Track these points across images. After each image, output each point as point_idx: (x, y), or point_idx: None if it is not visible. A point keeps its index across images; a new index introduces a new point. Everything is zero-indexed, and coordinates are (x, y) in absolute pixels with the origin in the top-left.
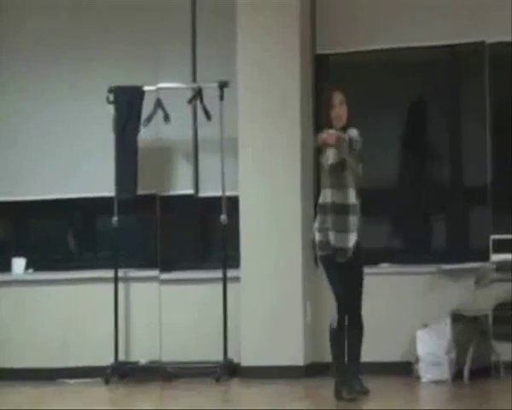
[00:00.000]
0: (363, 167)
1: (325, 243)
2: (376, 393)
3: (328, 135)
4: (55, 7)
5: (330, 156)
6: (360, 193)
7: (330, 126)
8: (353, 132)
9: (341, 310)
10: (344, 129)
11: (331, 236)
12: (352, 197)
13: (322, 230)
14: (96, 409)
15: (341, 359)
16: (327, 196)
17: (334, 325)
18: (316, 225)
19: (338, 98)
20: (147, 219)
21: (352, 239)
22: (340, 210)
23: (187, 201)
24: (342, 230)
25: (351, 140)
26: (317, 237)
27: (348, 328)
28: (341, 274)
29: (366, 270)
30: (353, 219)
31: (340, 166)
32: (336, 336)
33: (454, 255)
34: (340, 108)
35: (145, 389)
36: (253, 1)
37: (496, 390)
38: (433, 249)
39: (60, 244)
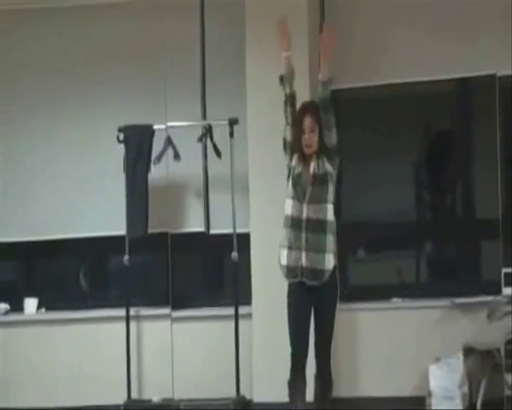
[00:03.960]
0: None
1: None
2: None
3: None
4: (62, 46)
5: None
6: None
7: (302, 152)
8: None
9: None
10: (317, 156)
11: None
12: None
13: None
14: None
15: None
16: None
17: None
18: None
19: (308, 123)
20: (158, 257)
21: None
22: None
23: (198, 238)
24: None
25: None
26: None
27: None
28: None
29: (378, 305)
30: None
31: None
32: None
33: (466, 289)
34: (309, 135)
35: None
36: (261, 37)
37: None
38: (444, 283)
39: (71, 284)
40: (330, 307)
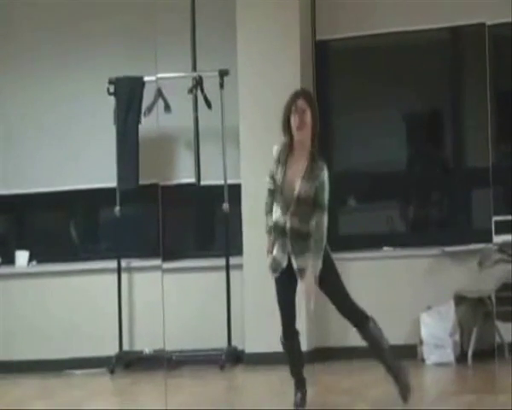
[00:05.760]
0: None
1: None
2: (381, 376)
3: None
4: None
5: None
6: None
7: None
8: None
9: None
10: (313, 159)
11: None
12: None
13: None
14: (102, 399)
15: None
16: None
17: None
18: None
19: (300, 104)
20: (149, 208)
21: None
22: None
23: (189, 190)
24: None
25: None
26: None
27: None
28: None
29: (369, 254)
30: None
31: None
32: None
33: (457, 237)
34: (300, 116)
35: (150, 378)
36: None
37: (500, 372)
38: (435, 232)
39: (63, 236)
40: (334, 277)
